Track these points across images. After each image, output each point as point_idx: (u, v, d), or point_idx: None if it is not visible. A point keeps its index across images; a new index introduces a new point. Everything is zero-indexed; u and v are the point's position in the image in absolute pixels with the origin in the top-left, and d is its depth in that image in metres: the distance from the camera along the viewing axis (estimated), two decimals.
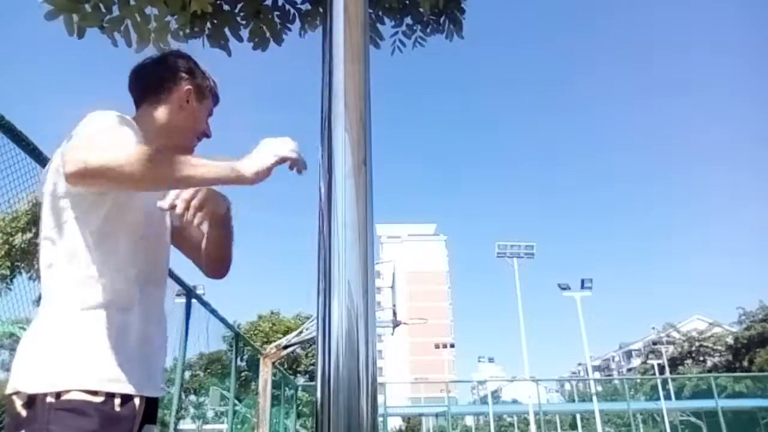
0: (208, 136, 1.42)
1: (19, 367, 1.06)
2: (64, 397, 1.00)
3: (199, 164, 1.06)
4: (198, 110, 1.38)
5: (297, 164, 1.11)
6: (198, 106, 1.38)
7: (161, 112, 1.33)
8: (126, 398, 1.05)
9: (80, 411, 0.99)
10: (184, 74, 1.37)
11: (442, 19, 3.02)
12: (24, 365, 1.06)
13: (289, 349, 11.01)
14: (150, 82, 1.35)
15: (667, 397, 24.99)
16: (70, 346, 1.06)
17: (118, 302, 1.13)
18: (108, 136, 1.07)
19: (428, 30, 3.05)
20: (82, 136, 1.07)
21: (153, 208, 1.19)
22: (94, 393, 1.01)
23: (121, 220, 1.17)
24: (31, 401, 1.00)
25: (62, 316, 1.09)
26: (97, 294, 1.11)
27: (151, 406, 1.16)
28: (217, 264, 1.39)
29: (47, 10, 2.34)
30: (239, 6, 2.72)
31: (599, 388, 31.92)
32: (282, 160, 1.10)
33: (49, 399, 0.99)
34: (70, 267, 1.12)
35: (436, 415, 29.54)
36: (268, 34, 2.77)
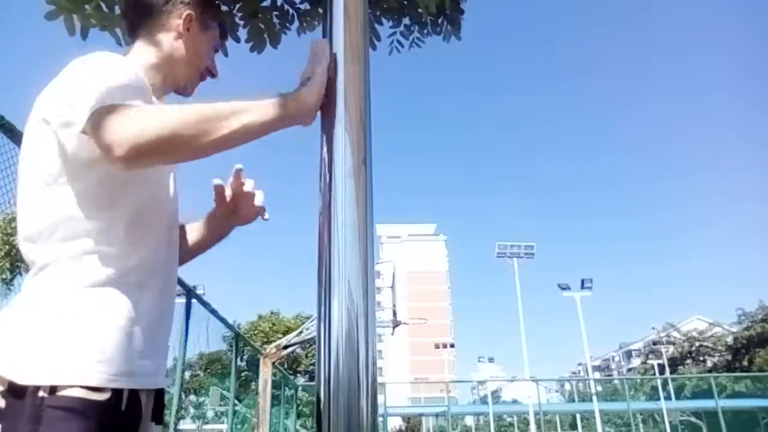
0: (213, 75, 1.25)
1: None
2: (61, 393, 0.83)
3: (252, 107, 0.91)
4: (200, 41, 1.19)
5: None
6: (200, 36, 1.19)
7: (156, 41, 1.15)
8: (134, 394, 0.92)
9: (79, 412, 0.83)
10: (190, 3, 1.18)
11: (440, 20, 3.02)
12: (8, 346, 0.88)
13: (289, 349, 11.01)
14: (144, 4, 1.16)
15: (667, 397, 25.00)
16: (72, 331, 0.88)
17: (132, 279, 0.97)
18: (129, 95, 0.92)
19: (426, 31, 3.05)
20: (94, 100, 0.88)
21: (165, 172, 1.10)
22: (99, 390, 0.85)
23: (133, 183, 0.99)
24: (15, 391, 0.83)
25: (62, 293, 0.91)
26: (106, 269, 0.94)
27: (158, 399, 1.04)
28: (190, 257, 1.29)
29: (48, 10, 2.33)
30: (237, 6, 2.71)
31: (599, 388, 31.93)
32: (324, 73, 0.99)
33: (41, 393, 0.82)
34: (72, 235, 0.94)
35: (436, 415, 29.53)
36: (266, 35, 2.76)
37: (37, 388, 0.83)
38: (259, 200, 1.24)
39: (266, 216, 1.29)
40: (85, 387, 0.84)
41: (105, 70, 0.97)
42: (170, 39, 1.16)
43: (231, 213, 1.27)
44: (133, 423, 0.93)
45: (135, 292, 0.96)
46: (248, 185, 1.24)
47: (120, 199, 0.98)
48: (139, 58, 1.14)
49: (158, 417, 1.05)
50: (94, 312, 0.91)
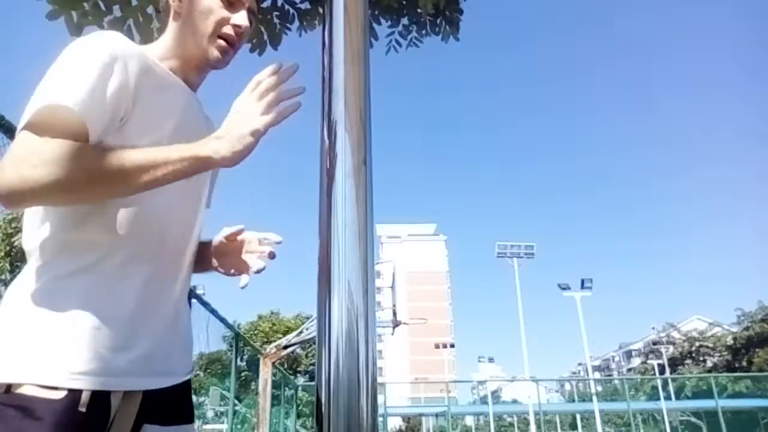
0: (239, 30, 1.09)
1: None
2: (16, 392, 0.79)
3: (150, 154, 0.85)
4: (199, 3, 1.08)
5: (284, 116, 0.91)
6: (207, 5, 1.08)
7: (165, 29, 1.12)
8: (99, 395, 0.83)
9: (29, 410, 0.78)
10: None
11: (439, 20, 3.02)
12: None
13: (289, 349, 11.01)
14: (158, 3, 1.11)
15: (667, 397, 25.00)
16: (33, 326, 0.84)
17: (109, 268, 0.90)
18: (92, 83, 0.86)
19: (424, 31, 3.06)
20: (32, 108, 0.84)
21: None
22: (54, 389, 0.80)
23: None
24: None
25: (31, 284, 0.88)
26: (79, 257, 0.89)
27: (158, 398, 0.95)
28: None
29: (49, 10, 2.34)
30: None
31: (599, 388, 31.93)
32: (264, 131, 0.90)
33: (8, 395, 0.79)
34: (49, 223, 0.91)
35: (436, 415, 29.51)
36: (266, 36, 2.76)
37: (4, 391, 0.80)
38: (255, 267, 1.11)
39: (242, 284, 1.14)
40: (39, 385, 0.80)
41: (68, 64, 0.91)
42: (170, 20, 1.11)
43: (223, 256, 1.18)
44: (96, 425, 0.84)
45: (112, 283, 0.90)
46: (253, 244, 1.14)
47: None
48: (152, 50, 1.08)
49: (158, 415, 0.96)
50: (60, 304, 0.86)
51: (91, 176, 0.82)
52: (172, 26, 1.11)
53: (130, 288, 0.92)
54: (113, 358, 0.86)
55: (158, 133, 0.97)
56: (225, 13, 1.08)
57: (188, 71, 1.11)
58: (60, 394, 0.80)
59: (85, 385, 0.82)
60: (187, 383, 1.06)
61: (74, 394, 0.81)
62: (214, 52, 1.09)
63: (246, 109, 0.90)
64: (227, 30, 1.08)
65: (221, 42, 1.08)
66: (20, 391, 0.79)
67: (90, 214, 0.91)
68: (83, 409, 0.81)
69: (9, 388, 0.79)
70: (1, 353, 0.83)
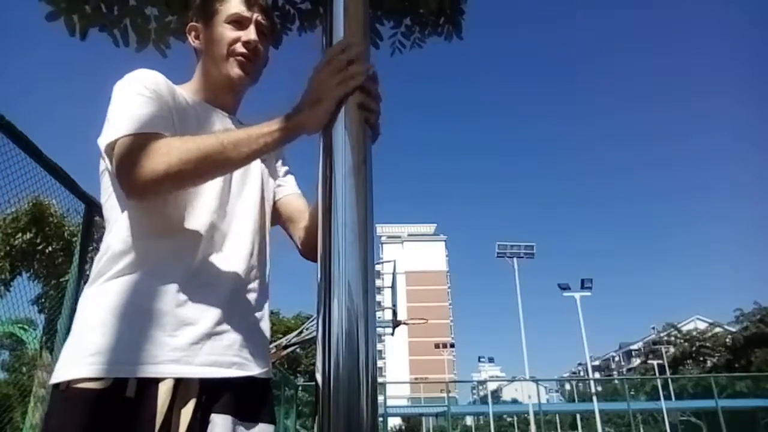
0: (250, 45, 1.16)
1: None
2: (73, 386, 0.91)
3: (256, 134, 0.95)
4: (210, 34, 1.18)
5: (371, 107, 0.90)
6: (209, 31, 1.19)
7: (193, 68, 1.24)
8: (144, 382, 0.91)
9: (83, 401, 0.89)
10: (192, 14, 1.24)
11: (441, 21, 3.02)
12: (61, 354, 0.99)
13: (289, 349, 11.02)
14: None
15: (667, 397, 24.98)
16: (86, 326, 0.96)
17: (147, 266, 0.99)
18: (141, 127, 0.98)
19: (427, 32, 3.05)
20: (113, 132, 0.99)
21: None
22: (100, 379, 0.90)
23: None
24: (53, 392, 0.94)
25: (87, 293, 1.02)
26: (120, 261, 1.00)
27: (225, 390, 1.00)
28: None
29: (48, 11, 2.34)
30: None
31: (599, 388, 31.93)
32: (340, 95, 0.88)
33: (61, 388, 0.92)
34: (107, 238, 1.04)
35: (436, 415, 29.53)
36: None
37: (58, 385, 0.93)
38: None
39: None
40: (88, 378, 0.90)
41: (126, 99, 1.04)
42: (196, 59, 1.23)
43: None
44: (145, 409, 0.90)
45: (152, 281, 0.98)
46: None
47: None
48: (186, 87, 1.20)
49: (233, 410, 1.00)
50: (106, 303, 0.97)
51: (202, 154, 0.93)
52: (199, 65, 1.23)
53: (170, 285, 0.99)
54: (156, 349, 0.94)
55: None
56: (235, 34, 1.17)
57: (221, 96, 1.21)
58: (106, 384, 0.90)
59: (129, 373, 0.91)
60: (261, 382, 1.09)
61: (119, 382, 0.90)
62: (234, 71, 1.17)
63: (321, 81, 0.92)
64: (239, 48, 1.16)
65: (238, 59, 1.16)
66: (76, 385, 0.91)
67: (133, 219, 1.03)
68: (131, 395, 0.90)
69: (68, 384, 0.91)
70: (64, 355, 0.96)
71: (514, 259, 30.21)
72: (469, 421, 42.63)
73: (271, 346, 10.82)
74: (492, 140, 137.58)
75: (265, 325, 1.16)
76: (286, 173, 1.37)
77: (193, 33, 1.23)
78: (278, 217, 1.31)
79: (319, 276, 0.80)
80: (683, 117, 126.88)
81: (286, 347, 10.66)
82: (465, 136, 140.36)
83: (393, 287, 14.72)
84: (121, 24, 2.50)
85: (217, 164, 0.96)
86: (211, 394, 0.98)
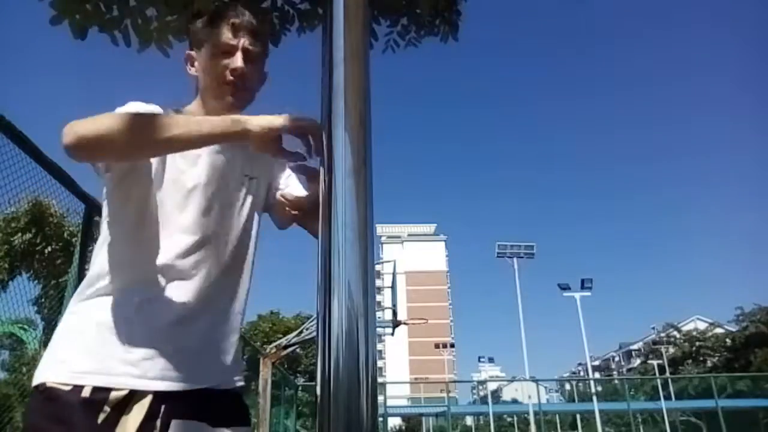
0: (236, 72, 1.21)
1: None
2: (43, 388, 1.05)
3: (191, 121, 1.04)
4: (201, 63, 1.26)
5: (308, 136, 1.02)
6: (200, 59, 1.26)
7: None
8: (98, 390, 1.02)
9: (52, 400, 1.03)
10: (189, 42, 1.31)
11: (437, 21, 3.03)
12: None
13: (289, 349, 11.02)
14: None
15: (667, 397, 25.00)
16: (59, 339, 1.12)
17: (112, 289, 1.11)
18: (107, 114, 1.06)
19: (422, 32, 3.06)
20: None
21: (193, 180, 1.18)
22: (65, 384, 1.03)
23: (130, 203, 1.15)
24: (32, 392, 1.08)
25: (69, 309, 1.16)
26: (98, 280, 1.13)
27: (186, 398, 1.08)
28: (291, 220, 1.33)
29: (52, 15, 2.34)
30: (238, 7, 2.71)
31: (599, 388, 31.94)
32: (295, 127, 1.02)
33: (39, 389, 1.05)
34: (96, 257, 1.17)
35: (436, 415, 29.55)
36: None
37: (37, 387, 1.06)
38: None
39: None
40: (56, 383, 1.04)
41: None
42: (195, 86, 1.30)
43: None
44: (95, 412, 1.01)
45: (115, 302, 1.10)
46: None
47: (120, 215, 1.16)
48: (186, 114, 1.27)
49: (192, 413, 1.08)
50: (77, 320, 1.12)
51: (137, 127, 1.02)
52: (198, 91, 1.29)
53: (129, 305, 1.10)
54: (114, 362, 1.05)
55: (189, 170, 1.19)
56: (223, 62, 1.22)
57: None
58: (69, 388, 1.03)
59: (86, 381, 1.03)
60: (226, 391, 1.18)
61: (78, 388, 1.02)
62: (226, 98, 1.23)
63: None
64: (228, 76, 1.22)
65: (227, 87, 1.22)
66: (47, 387, 1.04)
67: (114, 239, 1.16)
68: (86, 395, 1.02)
69: (41, 386, 1.05)
70: (41, 361, 1.10)
71: (514, 259, 30.24)
72: (469, 421, 42.65)
73: (271, 346, 10.82)
74: (492, 140, 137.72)
75: (234, 339, 1.23)
76: (289, 177, 1.41)
77: (189, 62, 1.30)
78: (293, 216, 1.35)
79: (319, 276, 0.80)
80: (684, 117, 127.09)
81: (286, 347, 10.65)
82: (465, 136, 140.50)
83: (393, 287, 14.72)
84: (122, 25, 2.50)
85: (145, 136, 1.02)
86: (172, 404, 1.06)
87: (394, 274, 15.51)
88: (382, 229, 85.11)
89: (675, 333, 44.48)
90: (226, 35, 1.22)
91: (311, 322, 11.30)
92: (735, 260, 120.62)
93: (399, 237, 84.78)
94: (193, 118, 1.04)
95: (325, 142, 0.88)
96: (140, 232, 1.14)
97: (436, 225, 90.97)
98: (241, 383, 1.24)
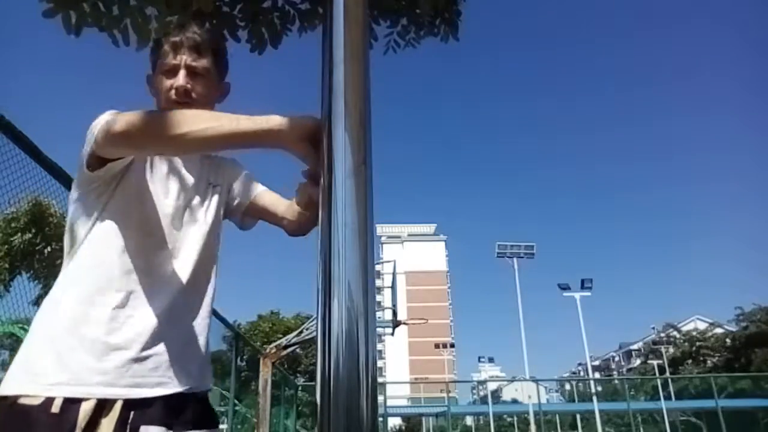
0: (178, 91, 1.25)
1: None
2: (16, 401, 1.02)
3: (226, 117, 1.00)
4: (154, 84, 1.31)
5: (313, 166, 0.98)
6: (154, 80, 1.31)
7: None
8: (70, 401, 1.02)
9: (21, 415, 1.01)
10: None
11: (437, 21, 3.03)
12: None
13: (289, 349, 11.01)
14: None
15: (667, 397, 24.99)
16: (27, 348, 1.10)
17: (89, 298, 1.12)
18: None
19: (422, 32, 3.06)
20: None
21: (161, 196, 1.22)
22: (34, 397, 1.02)
23: (116, 213, 1.18)
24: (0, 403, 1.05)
25: (37, 317, 1.14)
26: (69, 290, 1.14)
27: (154, 404, 1.10)
28: (310, 223, 1.28)
29: (45, 8, 2.33)
30: (238, 7, 2.71)
31: (599, 388, 31.92)
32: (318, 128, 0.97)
33: (8, 402, 1.03)
34: (67, 264, 1.18)
35: (436, 415, 29.54)
36: (266, 36, 2.76)
37: (5, 398, 1.04)
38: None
39: None
40: (25, 395, 1.02)
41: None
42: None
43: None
44: (69, 424, 1.00)
45: (86, 311, 1.10)
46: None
47: (85, 219, 1.17)
48: None
49: (159, 418, 1.09)
50: (46, 328, 1.10)
51: (173, 123, 1.00)
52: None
53: (102, 314, 1.10)
54: (84, 372, 1.06)
55: (152, 186, 1.22)
56: (168, 82, 1.26)
57: None
58: (38, 400, 1.01)
59: (56, 392, 1.02)
60: (195, 395, 1.19)
61: (49, 400, 1.01)
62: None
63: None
64: (172, 96, 1.25)
65: (175, 106, 1.24)
66: (15, 400, 1.02)
67: (79, 244, 1.17)
68: (56, 411, 1.01)
69: (9, 398, 1.03)
70: (9, 371, 1.07)
71: (514, 259, 30.23)
72: (469, 421, 42.65)
73: (271, 346, 10.80)
74: (492, 140, 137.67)
75: (202, 344, 1.27)
76: (249, 179, 1.48)
77: (148, 83, 1.34)
78: (257, 213, 1.45)
79: (319, 276, 0.80)
80: (684, 118, 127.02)
81: (286, 347, 10.65)
82: (465, 136, 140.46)
83: (393, 287, 14.71)
84: (121, 25, 2.50)
85: (174, 133, 1.00)
86: (141, 410, 1.08)
87: (394, 274, 15.50)
88: (382, 229, 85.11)
89: (675, 333, 44.44)
90: (168, 55, 1.26)
91: (311, 322, 11.29)
92: (735, 260, 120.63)
93: (399, 237, 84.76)
94: (230, 114, 1.00)
95: (325, 142, 0.88)
96: (113, 241, 1.16)
97: (436, 225, 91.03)
98: (210, 386, 1.27)
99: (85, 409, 1.02)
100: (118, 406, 1.06)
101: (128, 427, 1.06)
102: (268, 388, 9.66)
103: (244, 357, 14.30)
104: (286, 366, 21.67)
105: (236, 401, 10.45)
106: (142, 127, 1.02)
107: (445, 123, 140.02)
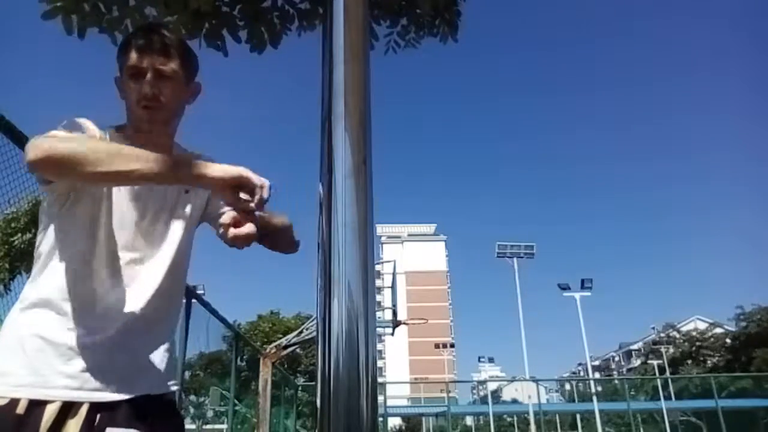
0: (147, 96, 1.24)
1: None
2: None
3: (157, 158, 1.03)
4: (122, 87, 1.29)
5: (254, 192, 1.05)
6: (121, 82, 1.29)
7: None
8: (35, 402, 1.05)
9: None
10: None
11: (437, 22, 3.03)
12: None
13: (289, 349, 11.01)
14: None
15: (667, 397, 24.97)
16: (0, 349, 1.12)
17: (57, 301, 1.13)
18: (70, 134, 1.11)
19: (422, 32, 3.06)
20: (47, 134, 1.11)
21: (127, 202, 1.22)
22: (2, 398, 1.04)
23: (76, 219, 1.18)
24: None
25: (6, 321, 1.16)
26: (38, 292, 1.15)
27: (120, 407, 1.12)
28: (290, 248, 1.24)
29: (45, 9, 2.33)
30: (238, 7, 2.71)
31: (599, 388, 31.91)
32: (243, 179, 1.05)
33: None
34: (37, 268, 1.19)
35: (436, 415, 29.54)
36: (266, 36, 2.76)
37: None
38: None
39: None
40: None
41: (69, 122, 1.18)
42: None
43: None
44: (33, 425, 1.03)
45: (53, 316, 1.12)
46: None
47: (62, 231, 1.18)
48: (117, 128, 1.30)
49: (123, 421, 1.11)
50: (15, 332, 1.12)
51: (104, 153, 1.02)
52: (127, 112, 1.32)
53: (69, 318, 1.12)
54: (50, 374, 1.08)
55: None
56: (135, 85, 1.25)
57: (148, 135, 1.29)
58: (4, 401, 1.04)
59: (21, 394, 1.05)
60: (160, 397, 1.21)
61: (15, 401, 1.04)
62: (142, 117, 1.27)
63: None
64: (141, 100, 1.25)
65: (142, 109, 1.25)
66: None
67: (41, 254, 1.19)
68: (21, 412, 1.03)
69: None
70: None
71: (514, 259, 30.22)
72: (469, 421, 42.64)
73: (271, 346, 10.78)
74: (492, 140, 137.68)
75: (169, 347, 1.27)
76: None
77: (117, 86, 1.32)
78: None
79: (319, 276, 0.80)
80: (684, 118, 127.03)
81: (286, 347, 10.65)
82: (466, 137, 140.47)
83: (393, 287, 14.71)
84: (121, 26, 2.50)
85: (97, 168, 1.02)
86: (107, 413, 1.10)
87: (394, 274, 15.51)
88: (382, 229, 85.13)
89: (675, 333, 44.43)
90: (133, 58, 1.25)
91: (311, 322, 11.29)
92: (735, 260, 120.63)
93: (399, 237, 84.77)
94: (159, 156, 1.04)
95: (325, 142, 0.88)
96: (81, 246, 1.17)
97: (436, 225, 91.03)
98: (176, 387, 1.28)
99: (50, 411, 1.05)
100: (84, 409, 1.08)
101: (95, 429, 1.07)
102: (268, 388, 9.66)
103: (244, 357, 14.32)
104: (286, 366, 21.67)
105: (236, 401, 10.45)
106: (63, 157, 1.02)
107: (445, 123, 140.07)
